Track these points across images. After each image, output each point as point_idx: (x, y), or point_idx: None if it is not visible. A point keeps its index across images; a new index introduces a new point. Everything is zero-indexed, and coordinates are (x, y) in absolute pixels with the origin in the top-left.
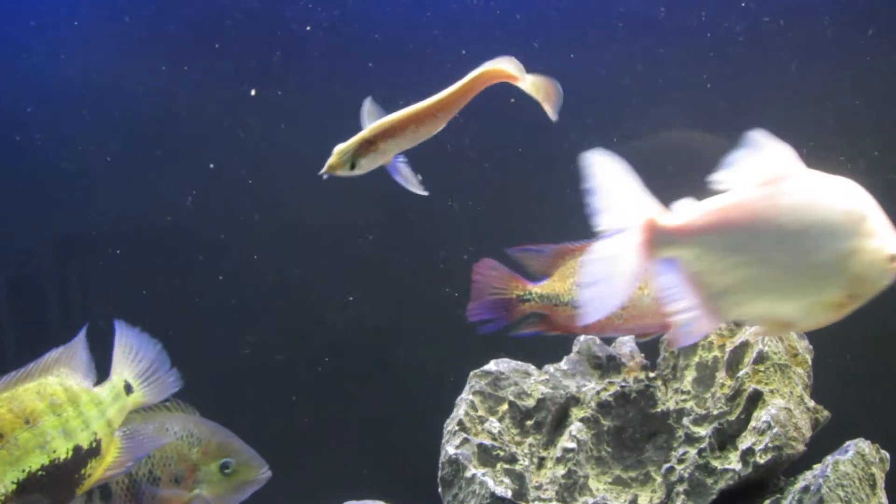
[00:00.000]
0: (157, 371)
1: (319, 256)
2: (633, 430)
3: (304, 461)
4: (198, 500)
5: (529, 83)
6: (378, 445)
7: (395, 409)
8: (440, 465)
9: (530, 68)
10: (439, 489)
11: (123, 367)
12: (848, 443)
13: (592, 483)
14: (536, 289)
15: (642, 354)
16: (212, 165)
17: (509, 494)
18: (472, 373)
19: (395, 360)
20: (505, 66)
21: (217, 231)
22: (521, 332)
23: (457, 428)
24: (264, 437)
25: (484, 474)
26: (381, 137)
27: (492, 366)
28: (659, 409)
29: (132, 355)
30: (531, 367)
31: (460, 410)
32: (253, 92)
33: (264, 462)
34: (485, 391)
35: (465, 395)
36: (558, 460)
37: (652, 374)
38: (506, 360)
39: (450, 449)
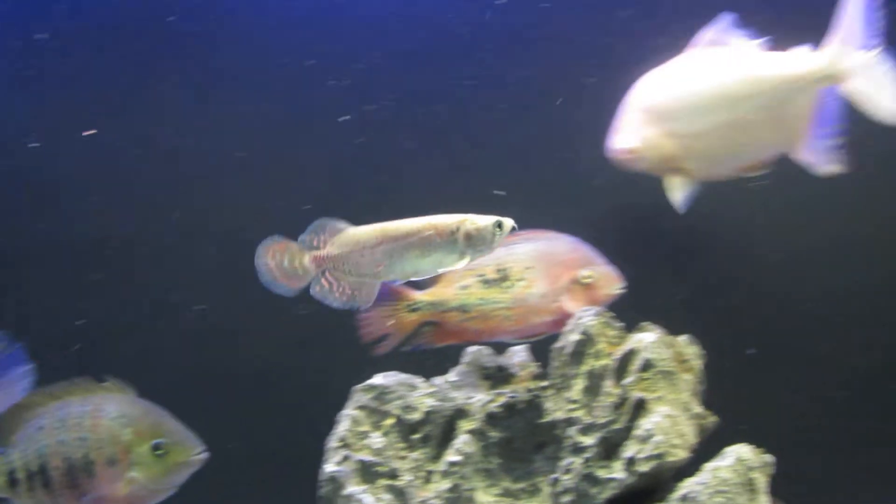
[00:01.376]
0: None
1: (215, 268)
2: (522, 441)
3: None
4: (132, 483)
5: None
6: (268, 464)
7: (289, 426)
8: (319, 484)
9: None
10: None
11: None
12: (728, 448)
13: (480, 496)
14: (424, 296)
15: (536, 363)
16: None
17: None
18: (355, 387)
19: (289, 377)
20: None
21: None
22: (416, 344)
23: (338, 444)
24: None
25: (363, 492)
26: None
27: (377, 379)
28: (547, 419)
29: None
30: (418, 380)
31: (342, 426)
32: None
33: (199, 443)
34: (369, 405)
35: (348, 411)
36: (444, 474)
37: (543, 384)
38: (393, 373)
39: (329, 466)
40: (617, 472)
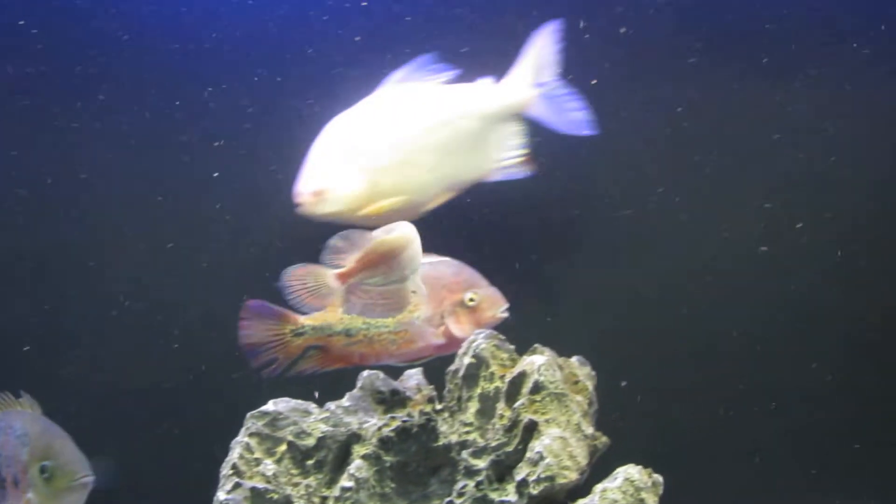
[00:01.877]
0: None
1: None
2: (417, 465)
3: None
4: None
5: None
6: (162, 492)
7: (186, 454)
8: None
9: None
10: None
11: None
12: (618, 469)
13: None
14: (309, 321)
15: (431, 387)
16: None
17: None
18: (248, 414)
19: (186, 403)
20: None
21: None
22: (302, 369)
23: (230, 472)
24: None
25: None
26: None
27: (269, 406)
28: (441, 443)
29: None
30: (311, 406)
31: (234, 454)
32: None
33: (85, 467)
34: (262, 432)
35: (241, 438)
36: (337, 499)
37: (438, 407)
38: (285, 399)
39: (221, 495)
40: (509, 494)
